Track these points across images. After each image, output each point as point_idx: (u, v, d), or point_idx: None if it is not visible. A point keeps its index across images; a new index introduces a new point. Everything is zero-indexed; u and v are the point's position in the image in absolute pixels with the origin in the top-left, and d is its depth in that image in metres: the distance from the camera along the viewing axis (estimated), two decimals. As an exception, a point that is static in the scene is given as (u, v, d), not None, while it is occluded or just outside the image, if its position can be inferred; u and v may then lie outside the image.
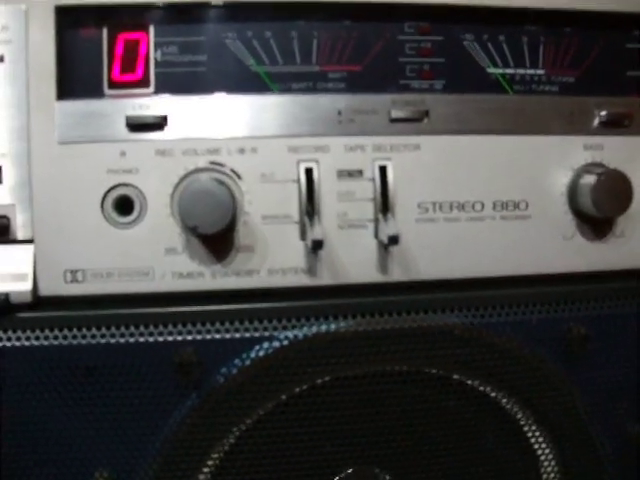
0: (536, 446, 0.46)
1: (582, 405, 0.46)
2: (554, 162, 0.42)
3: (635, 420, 0.47)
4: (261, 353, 0.40)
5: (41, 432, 0.40)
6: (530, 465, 0.48)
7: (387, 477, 0.47)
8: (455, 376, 0.43)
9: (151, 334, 0.39)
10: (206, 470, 0.43)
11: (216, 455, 0.43)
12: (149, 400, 0.40)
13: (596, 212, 0.41)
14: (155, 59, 0.40)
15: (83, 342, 0.39)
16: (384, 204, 0.40)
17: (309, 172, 0.39)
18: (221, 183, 0.37)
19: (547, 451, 0.47)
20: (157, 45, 0.40)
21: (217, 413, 0.41)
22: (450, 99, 0.41)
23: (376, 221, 0.40)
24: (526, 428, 0.46)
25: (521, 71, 0.42)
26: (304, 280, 0.39)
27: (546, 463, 0.47)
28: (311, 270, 0.39)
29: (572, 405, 0.46)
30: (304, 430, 0.43)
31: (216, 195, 0.37)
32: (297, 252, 0.39)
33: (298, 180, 0.39)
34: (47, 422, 0.40)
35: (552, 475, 0.47)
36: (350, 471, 0.47)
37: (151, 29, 0.40)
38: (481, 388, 0.44)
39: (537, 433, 0.46)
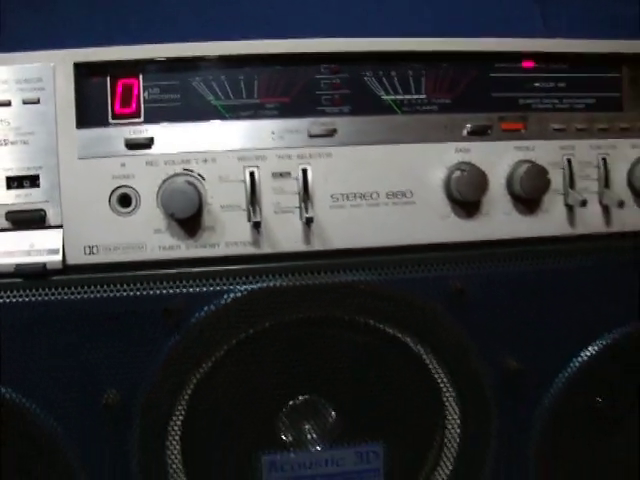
0: (433, 371, 0.61)
1: (469, 344, 0.61)
2: (434, 162, 0.57)
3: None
4: (222, 302, 0.56)
5: (67, 360, 0.55)
6: (431, 391, 0.61)
7: (325, 402, 0.63)
8: (361, 319, 0.58)
9: (145, 289, 0.55)
10: (188, 391, 0.59)
11: (195, 380, 0.59)
12: (146, 338, 0.55)
13: (461, 197, 0.56)
14: (144, 97, 0.56)
15: (98, 296, 0.55)
16: (305, 196, 0.55)
17: (252, 175, 0.54)
18: (190, 184, 0.53)
19: (443, 377, 0.61)
20: (145, 88, 0.55)
21: (193, 347, 0.57)
22: (354, 120, 0.56)
23: (300, 208, 0.55)
24: (427, 362, 0.62)
25: (407, 97, 0.58)
26: (251, 250, 0.55)
27: (444, 387, 0.62)
28: (255, 243, 0.55)
29: (460, 343, 0.61)
30: (259, 362, 0.59)
31: (187, 192, 0.53)
32: (245, 231, 0.55)
33: (244, 180, 0.55)
34: (70, 354, 0.55)
35: (450, 398, 0.62)
36: (301, 399, 0.63)
37: (140, 77, 0.55)
38: (382, 327, 0.59)
39: (435, 364, 0.61)
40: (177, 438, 0.59)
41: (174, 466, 0.59)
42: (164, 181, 0.54)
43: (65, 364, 0.56)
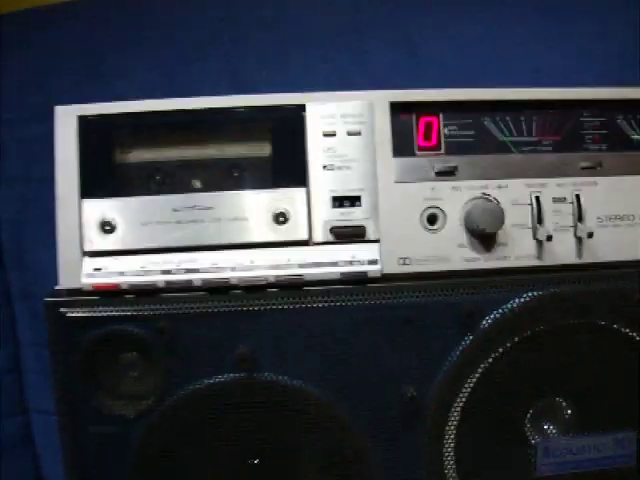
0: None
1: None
2: None
3: None
4: (507, 308, 0.65)
5: (373, 359, 0.64)
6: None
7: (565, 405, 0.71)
8: (615, 326, 0.68)
9: (450, 295, 0.64)
10: (471, 383, 0.67)
11: (478, 373, 0.66)
12: (443, 339, 0.64)
13: None
14: (444, 133, 0.66)
15: (409, 301, 0.63)
16: (579, 216, 0.66)
17: (537, 198, 0.65)
18: (496, 204, 0.64)
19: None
20: (445, 125, 0.66)
21: (481, 347, 0.66)
22: (616, 155, 0.66)
23: (575, 226, 0.66)
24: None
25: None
26: (536, 262, 0.65)
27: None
28: (539, 256, 0.65)
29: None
30: (522, 364, 0.67)
31: (496, 211, 0.62)
32: (530, 245, 0.65)
33: (531, 203, 0.65)
34: (378, 354, 0.64)
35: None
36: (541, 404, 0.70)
37: (441, 115, 0.66)
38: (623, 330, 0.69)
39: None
40: (454, 427, 0.67)
41: (449, 449, 0.67)
42: (466, 202, 0.64)
43: (371, 362, 0.64)
